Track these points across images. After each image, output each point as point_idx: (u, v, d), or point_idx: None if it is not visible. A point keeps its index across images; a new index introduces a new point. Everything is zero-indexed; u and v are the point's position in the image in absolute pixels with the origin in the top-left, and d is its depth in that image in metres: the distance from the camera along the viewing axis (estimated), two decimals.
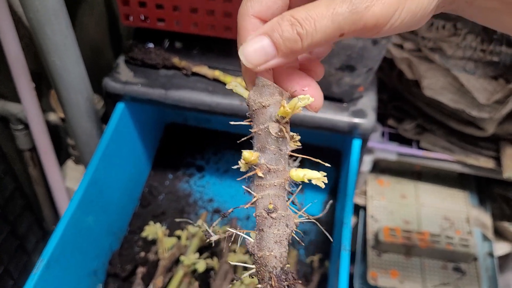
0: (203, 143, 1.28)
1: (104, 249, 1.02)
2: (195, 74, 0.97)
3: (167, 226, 1.10)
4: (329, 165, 0.44)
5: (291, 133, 0.40)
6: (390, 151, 1.17)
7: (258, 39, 0.36)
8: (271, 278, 0.37)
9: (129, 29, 1.16)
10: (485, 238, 1.19)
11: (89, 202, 0.90)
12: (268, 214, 0.38)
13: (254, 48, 0.36)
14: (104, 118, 1.10)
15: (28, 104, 1.06)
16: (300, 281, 0.39)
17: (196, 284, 0.96)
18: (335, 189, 1.17)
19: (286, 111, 0.36)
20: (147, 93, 0.94)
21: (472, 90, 1.02)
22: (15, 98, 1.08)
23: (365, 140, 0.97)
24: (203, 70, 0.96)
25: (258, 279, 0.39)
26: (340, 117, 0.94)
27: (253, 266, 0.39)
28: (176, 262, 1.00)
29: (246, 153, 0.39)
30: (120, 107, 0.97)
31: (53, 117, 1.17)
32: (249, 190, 0.40)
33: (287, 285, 0.37)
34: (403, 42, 1.08)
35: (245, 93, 0.40)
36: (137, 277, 0.99)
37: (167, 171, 1.22)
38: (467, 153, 1.13)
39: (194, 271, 0.99)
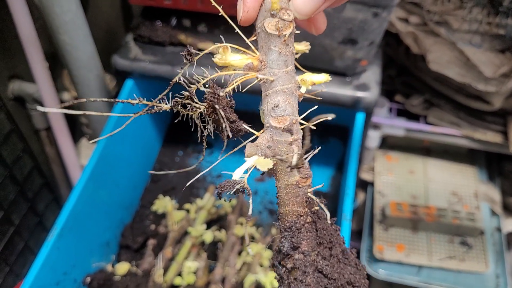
0: None
1: (117, 222, 1.06)
2: (201, 50, 0.99)
3: (177, 200, 1.13)
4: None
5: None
6: (398, 127, 1.17)
7: None
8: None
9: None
10: (493, 213, 1.19)
11: (100, 175, 0.93)
12: None
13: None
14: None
15: (42, 83, 1.10)
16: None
17: (204, 255, 1.00)
18: (342, 164, 1.19)
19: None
20: (155, 69, 0.97)
21: (478, 63, 1.02)
22: (31, 78, 1.12)
23: (369, 113, 0.98)
24: (209, 46, 0.98)
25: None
26: (343, 91, 0.95)
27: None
28: (185, 234, 1.03)
29: None
30: (129, 83, 1.00)
31: (67, 96, 1.20)
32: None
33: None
34: (408, 16, 1.08)
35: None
36: (148, 249, 1.02)
37: (177, 148, 1.25)
38: (474, 127, 1.12)
39: (203, 243, 1.02)
